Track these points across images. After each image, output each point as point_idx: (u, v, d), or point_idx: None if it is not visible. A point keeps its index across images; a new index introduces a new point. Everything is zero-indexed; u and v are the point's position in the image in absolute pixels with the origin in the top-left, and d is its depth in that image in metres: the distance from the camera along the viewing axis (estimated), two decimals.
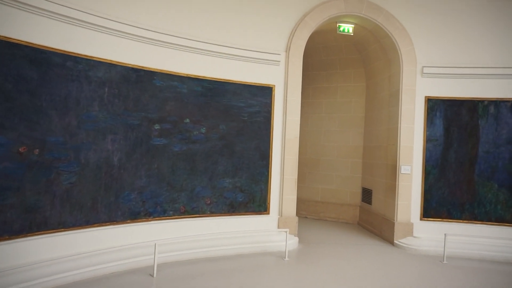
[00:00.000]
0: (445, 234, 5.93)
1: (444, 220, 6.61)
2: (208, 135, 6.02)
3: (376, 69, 7.88)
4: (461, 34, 6.61)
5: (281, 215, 6.44)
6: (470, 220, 6.56)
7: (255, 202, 6.34)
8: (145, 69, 5.44)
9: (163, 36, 5.52)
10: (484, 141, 6.59)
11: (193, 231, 5.81)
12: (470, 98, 6.58)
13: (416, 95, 6.66)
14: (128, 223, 5.25)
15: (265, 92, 6.42)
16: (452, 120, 6.66)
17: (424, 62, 6.66)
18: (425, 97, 6.66)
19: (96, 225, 4.94)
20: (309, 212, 8.99)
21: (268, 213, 6.39)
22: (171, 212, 5.72)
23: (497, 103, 6.54)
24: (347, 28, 7.01)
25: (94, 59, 4.92)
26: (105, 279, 4.56)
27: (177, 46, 5.69)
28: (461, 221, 6.57)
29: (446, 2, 6.65)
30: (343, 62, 8.66)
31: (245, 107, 6.30)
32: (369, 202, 7.98)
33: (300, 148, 9.14)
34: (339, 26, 7.03)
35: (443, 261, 5.83)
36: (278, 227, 6.39)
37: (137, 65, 5.36)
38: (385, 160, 7.25)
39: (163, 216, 5.63)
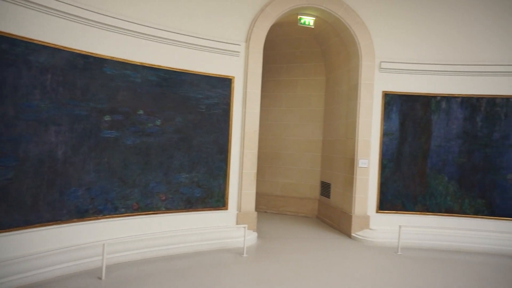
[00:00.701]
0: (399, 226, 6.09)
1: (399, 212, 6.80)
2: (163, 127, 5.72)
3: (336, 63, 7.91)
4: (417, 31, 6.76)
5: (240, 210, 6.29)
6: (423, 211, 6.80)
7: (213, 197, 6.14)
8: (94, 55, 5.03)
9: (115, 21, 5.13)
10: (436, 136, 6.82)
11: (147, 229, 5.51)
12: (424, 93, 6.78)
13: (374, 90, 6.75)
14: (75, 222, 4.85)
15: (224, 84, 6.21)
16: (407, 114, 6.83)
17: (382, 57, 6.76)
18: (383, 91, 6.78)
19: (37, 225, 4.51)
20: (269, 206, 8.93)
21: (227, 209, 6.22)
22: (123, 210, 5.38)
23: (448, 99, 6.78)
24: (308, 20, 6.95)
25: (36, 42, 4.45)
26: (47, 284, 4.18)
27: (131, 33, 5.32)
28: (414, 213, 6.79)
29: (403, 1, 6.77)
30: (304, 55, 8.62)
31: (203, 98, 6.05)
32: (328, 196, 8.05)
33: (260, 142, 9.07)
34: (300, 19, 6.95)
35: (398, 252, 5.98)
36: (237, 223, 6.24)
37: (85, 51, 4.93)
38: (343, 154, 7.32)
39: (114, 214, 5.28)
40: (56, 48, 4.65)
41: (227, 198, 6.24)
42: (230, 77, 6.24)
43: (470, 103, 6.74)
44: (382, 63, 6.71)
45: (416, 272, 5.18)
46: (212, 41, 6.00)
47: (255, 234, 6.31)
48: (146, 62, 5.52)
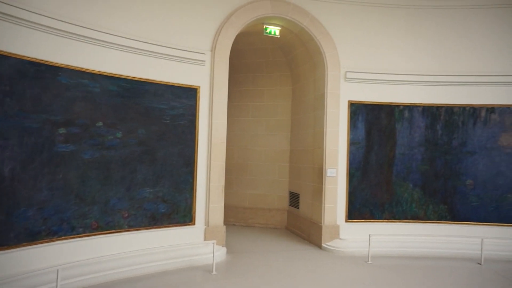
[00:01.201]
0: (369, 235, 6.10)
1: (367, 220, 6.84)
2: (125, 140, 5.39)
3: (302, 73, 7.93)
4: (380, 42, 6.92)
5: (208, 225, 6.04)
6: (390, 219, 6.88)
7: (179, 212, 5.85)
8: (47, 63, 4.65)
9: (71, 27, 4.79)
10: (400, 144, 6.97)
11: (108, 250, 5.12)
12: (388, 103, 6.92)
13: (340, 99, 6.80)
14: (25, 246, 4.40)
15: (189, 94, 5.99)
16: (373, 123, 6.93)
17: (347, 67, 6.84)
18: (348, 101, 6.84)
19: None
20: (237, 219, 8.71)
21: (194, 224, 5.95)
22: (80, 229, 4.97)
23: (411, 108, 6.97)
24: (274, 30, 6.92)
25: None
26: None
27: (89, 40, 5.00)
28: (382, 220, 6.85)
29: (367, 11, 6.91)
30: (270, 65, 8.59)
31: (168, 109, 5.79)
32: (297, 206, 7.98)
33: (227, 153, 8.82)
34: (266, 28, 6.90)
35: (368, 261, 5.97)
36: (205, 238, 5.98)
37: (37, 59, 4.55)
38: (311, 163, 7.29)
39: (71, 235, 4.85)
40: (2, 55, 4.25)
41: (194, 213, 5.97)
42: (195, 87, 6.03)
43: (431, 112, 6.96)
44: (347, 72, 6.79)
45: (387, 281, 5.17)
46: (176, 49, 5.78)
47: (224, 250, 6.07)
48: (106, 71, 5.20)
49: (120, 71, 5.33)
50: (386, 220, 6.86)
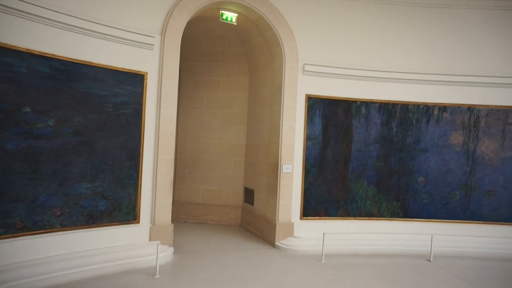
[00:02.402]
0: (323, 234, 5.94)
1: (322, 218, 6.69)
2: (58, 129, 4.77)
3: (259, 64, 7.61)
4: (339, 36, 6.75)
5: (154, 224, 5.57)
6: (345, 216, 6.79)
7: (121, 210, 5.33)
8: None
9: None
10: (356, 140, 6.88)
11: (36, 252, 4.52)
12: (345, 98, 6.79)
13: (297, 93, 6.56)
14: None
15: (135, 80, 5.45)
16: (330, 119, 6.78)
17: (305, 59, 6.61)
18: (306, 95, 6.62)
19: None
20: (189, 216, 8.27)
21: (138, 222, 5.45)
22: (1, 230, 4.32)
23: (368, 104, 6.89)
24: (230, 16, 6.52)
25: None
26: None
27: (15, 12, 4.32)
28: (337, 218, 6.74)
29: (328, 3, 6.70)
30: (227, 54, 8.18)
31: (110, 96, 5.23)
32: (251, 203, 7.69)
33: (179, 146, 8.42)
34: (222, 14, 6.48)
35: (322, 260, 5.81)
36: (150, 238, 5.51)
37: None
38: (267, 158, 7.01)
39: None
40: None
41: (139, 210, 5.47)
42: (142, 73, 5.50)
43: (387, 109, 6.93)
44: (305, 65, 6.56)
45: (338, 282, 5.01)
46: (121, 30, 5.22)
47: (171, 250, 5.63)
48: (36, 49, 4.55)
49: (53, 50, 4.69)
50: (341, 218, 6.76)
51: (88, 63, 5.00)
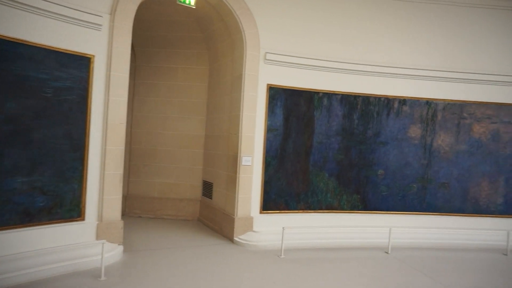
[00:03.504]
0: (283, 228, 5.77)
1: (282, 211, 6.53)
2: None
3: (220, 51, 7.26)
4: (302, 24, 6.54)
5: (102, 220, 5.13)
6: (305, 209, 6.67)
7: (63, 206, 4.84)
8: None
9: None
10: (318, 132, 6.75)
11: None
12: (307, 89, 6.62)
13: (258, 82, 6.31)
14: None
15: (80, 63, 4.93)
16: (291, 110, 6.59)
17: (267, 48, 6.35)
18: (267, 84, 6.38)
19: None
20: (144, 210, 7.83)
21: (83, 219, 4.99)
22: None
23: (330, 96, 6.77)
24: None
25: None
26: None
27: None
28: (297, 211, 6.60)
29: None
30: (186, 40, 7.74)
31: (50, 80, 4.69)
32: (210, 196, 7.39)
33: (134, 137, 7.91)
34: None
35: (281, 255, 5.65)
36: (97, 236, 5.06)
37: None
38: (226, 150, 6.73)
39: None
40: None
41: (84, 206, 5.01)
42: (88, 56, 4.99)
43: (349, 101, 6.85)
44: (267, 54, 6.30)
45: (298, 277, 4.87)
46: (64, 7, 4.69)
47: (120, 248, 5.22)
48: None
49: None
50: (301, 211, 6.63)
51: (23, 42, 4.43)
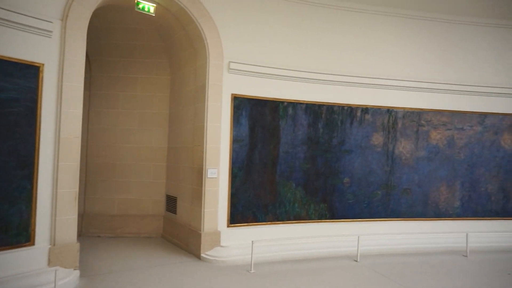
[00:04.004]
0: (252, 242, 5.59)
1: (250, 224, 6.35)
2: None
3: (182, 61, 7.03)
4: (266, 33, 6.49)
5: (54, 244, 4.68)
6: (273, 221, 6.53)
7: (9, 230, 4.36)
8: None
9: None
10: (284, 142, 6.69)
11: None
12: (272, 98, 6.55)
13: (222, 92, 6.15)
14: None
15: (27, 73, 4.53)
16: (257, 120, 6.48)
17: (231, 57, 6.22)
18: (232, 94, 6.24)
19: None
20: (103, 229, 7.33)
21: (33, 244, 4.53)
22: None
23: (295, 105, 6.75)
24: (148, 6, 5.86)
25: None
26: None
27: None
28: (265, 223, 6.46)
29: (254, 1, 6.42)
30: (145, 49, 7.44)
31: None
32: (174, 212, 7.06)
33: (90, 151, 7.43)
34: (138, 3, 5.80)
35: (251, 270, 5.45)
36: (49, 262, 4.61)
37: None
38: (191, 163, 6.47)
39: None
40: None
41: (34, 230, 4.55)
42: (37, 64, 4.61)
43: (313, 110, 6.86)
44: (231, 63, 6.17)
45: None
46: (8, 11, 4.29)
47: (76, 273, 4.78)
48: None
49: None
50: (269, 222, 6.49)
51: None
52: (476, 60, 7.60)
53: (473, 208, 7.58)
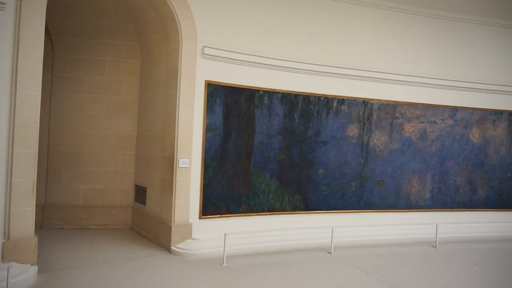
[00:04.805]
0: (224, 234, 5.40)
1: (223, 215, 6.16)
2: None
3: (153, 44, 6.65)
4: (243, 18, 6.23)
5: (8, 238, 4.30)
6: (247, 212, 6.37)
7: None
8: None
9: None
10: (259, 131, 6.50)
11: None
12: (248, 86, 6.32)
13: (196, 78, 5.86)
14: None
15: None
16: (231, 108, 6.24)
17: (205, 41, 5.92)
18: (206, 81, 5.96)
19: None
20: (67, 221, 6.92)
21: None
22: None
23: (270, 94, 6.56)
24: None
25: None
26: None
27: None
28: (239, 215, 6.28)
29: None
30: (114, 30, 6.99)
31: None
32: (144, 202, 6.75)
33: (52, 138, 6.95)
34: None
35: (223, 263, 5.27)
36: (3, 257, 4.23)
37: None
38: (161, 152, 6.17)
39: None
40: None
41: None
42: None
43: (289, 99, 6.70)
44: (205, 48, 5.88)
45: (243, 286, 4.55)
46: None
47: (34, 269, 4.42)
48: None
49: None
50: (243, 214, 6.32)
51: None
52: (449, 54, 7.68)
53: (443, 200, 7.74)
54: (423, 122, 7.66)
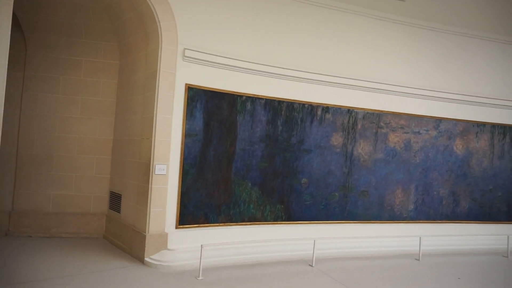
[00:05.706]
0: (201, 246, 5.12)
1: (202, 225, 5.89)
2: None
3: (132, 45, 6.40)
4: (226, 21, 6.05)
5: None
6: (226, 222, 6.12)
7: None
8: None
9: None
10: (241, 138, 6.29)
11: None
12: (230, 91, 6.11)
13: (176, 81, 5.63)
14: None
15: None
16: (213, 113, 6.02)
17: (186, 43, 5.70)
18: (186, 84, 5.73)
19: None
20: (36, 228, 6.53)
21: None
22: None
23: (253, 100, 6.36)
24: None
25: None
26: None
27: None
28: (218, 224, 6.02)
29: None
30: (91, 29, 6.70)
31: None
32: (118, 210, 6.43)
33: (22, 141, 6.57)
34: None
35: (199, 277, 5.00)
36: None
37: None
38: (138, 157, 5.89)
39: None
40: None
41: None
42: None
43: (273, 106, 6.52)
44: (186, 50, 5.66)
45: None
46: None
47: None
48: None
49: None
50: (222, 224, 6.07)
51: None
52: (434, 65, 7.67)
53: (426, 211, 7.66)
54: (408, 133, 7.59)
